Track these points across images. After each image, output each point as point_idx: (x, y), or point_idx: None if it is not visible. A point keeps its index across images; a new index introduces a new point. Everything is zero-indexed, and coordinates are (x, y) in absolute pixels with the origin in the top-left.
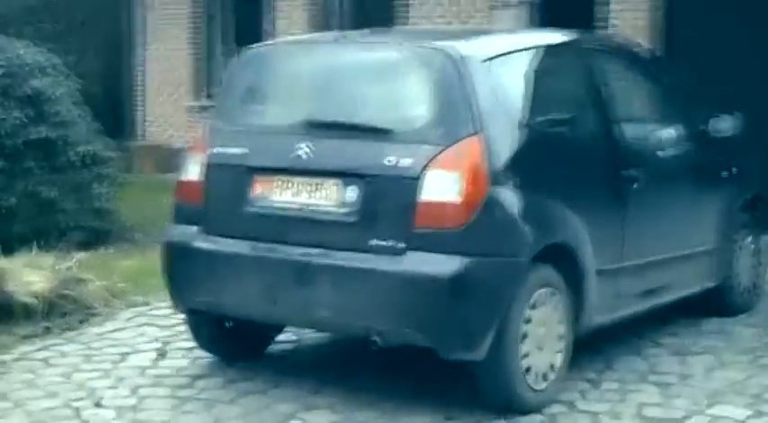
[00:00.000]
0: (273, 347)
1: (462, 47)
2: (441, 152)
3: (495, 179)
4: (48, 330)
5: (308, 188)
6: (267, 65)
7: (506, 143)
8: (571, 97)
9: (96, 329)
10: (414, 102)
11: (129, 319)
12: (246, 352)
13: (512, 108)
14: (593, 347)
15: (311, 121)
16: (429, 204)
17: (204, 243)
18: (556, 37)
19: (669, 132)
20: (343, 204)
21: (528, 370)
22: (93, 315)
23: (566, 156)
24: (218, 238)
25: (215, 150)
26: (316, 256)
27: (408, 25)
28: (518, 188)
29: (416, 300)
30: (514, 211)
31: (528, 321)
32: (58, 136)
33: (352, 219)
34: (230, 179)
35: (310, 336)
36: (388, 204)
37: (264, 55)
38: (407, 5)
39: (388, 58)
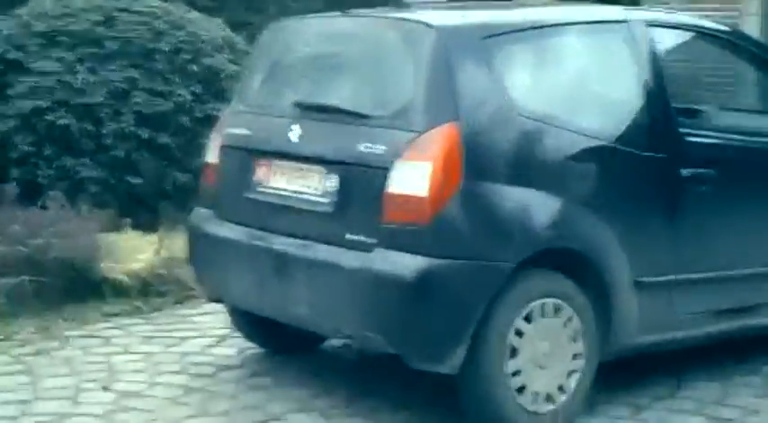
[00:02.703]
0: (333, 342)
1: (455, 22)
2: (413, 139)
3: (475, 172)
4: (138, 309)
5: (297, 175)
6: (277, 43)
7: (496, 133)
8: (601, 83)
9: (185, 311)
10: (396, 82)
11: None
12: (295, 345)
13: (512, 94)
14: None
15: (301, 103)
16: (396, 197)
17: (213, 227)
18: (588, 12)
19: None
20: (325, 193)
21: (522, 389)
22: (191, 297)
23: (588, 151)
24: (226, 223)
25: (228, 131)
26: (295, 247)
27: None
28: (505, 183)
29: (379, 302)
30: (495, 208)
31: (520, 334)
32: None
33: (330, 209)
34: (237, 162)
35: None
36: (362, 196)
37: (277, 32)
38: None
39: (376, 35)
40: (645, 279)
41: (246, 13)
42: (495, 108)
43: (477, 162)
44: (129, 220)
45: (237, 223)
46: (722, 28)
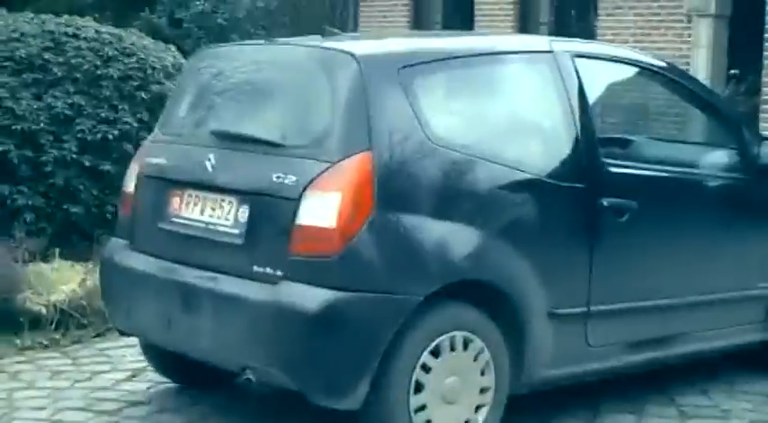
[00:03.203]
0: None
1: (374, 50)
2: (325, 170)
3: (387, 203)
4: (55, 342)
5: (211, 205)
6: (201, 70)
7: (411, 163)
8: (523, 114)
9: (104, 344)
10: (313, 111)
11: None
12: (209, 380)
13: (430, 124)
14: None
15: (218, 132)
16: (304, 228)
17: (125, 259)
18: (512, 43)
19: (695, 158)
20: (236, 224)
21: None
22: (112, 330)
23: (505, 182)
24: (139, 255)
25: (146, 160)
26: (202, 280)
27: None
28: (418, 215)
29: (281, 335)
30: (406, 240)
31: (427, 370)
32: None
33: (239, 241)
34: (153, 192)
35: None
36: (271, 227)
37: (202, 59)
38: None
39: (297, 63)
40: (560, 310)
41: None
42: (412, 138)
43: (389, 193)
44: (57, 250)
45: (151, 255)
46: (654, 61)
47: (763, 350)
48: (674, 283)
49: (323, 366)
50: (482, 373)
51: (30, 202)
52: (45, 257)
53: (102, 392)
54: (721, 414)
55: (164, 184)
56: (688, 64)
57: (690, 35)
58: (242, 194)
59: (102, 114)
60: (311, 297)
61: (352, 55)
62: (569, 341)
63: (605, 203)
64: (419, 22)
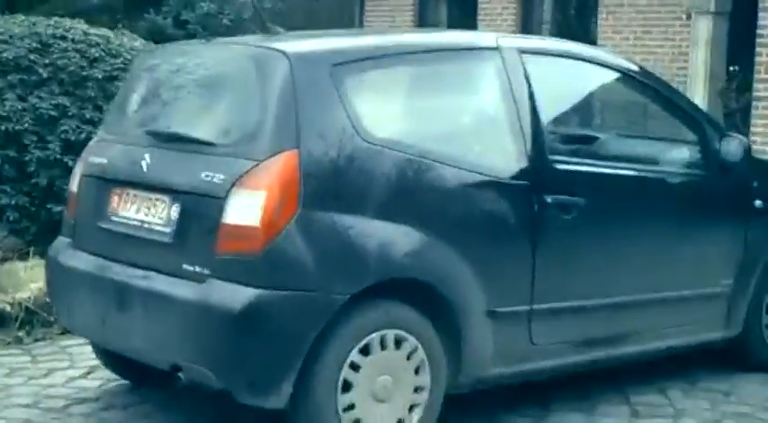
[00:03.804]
0: None
1: (306, 48)
2: (251, 168)
3: (313, 201)
4: (18, 339)
5: (146, 204)
6: (144, 70)
7: (341, 161)
8: (463, 110)
9: (68, 342)
10: (245, 110)
11: None
12: (158, 377)
13: (362, 122)
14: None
15: (153, 131)
16: (230, 227)
17: (67, 258)
18: (454, 39)
19: (651, 154)
20: (168, 223)
21: None
22: None
23: (441, 178)
24: (80, 254)
25: (90, 160)
26: (135, 278)
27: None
28: (347, 213)
29: (207, 334)
30: (333, 238)
31: (356, 368)
32: None
33: (170, 240)
34: (95, 191)
35: None
36: (199, 225)
37: (145, 59)
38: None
39: (232, 62)
40: (501, 309)
41: None
42: (342, 136)
43: (317, 191)
44: (32, 249)
45: (91, 253)
46: (608, 57)
47: (727, 347)
48: (624, 281)
49: (246, 365)
50: (416, 372)
51: (13, 202)
52: (22, 256)
53: (53, 389)
54: (675, 413)
55: (104, 183)
56: (687, 61)
57: (690, 32)
58: (174, 193)
59: (87, 115)
60: (235, 296)
61: (283, 53)
62: (512, 340)
63: (549, 200)
64: (424, 23)
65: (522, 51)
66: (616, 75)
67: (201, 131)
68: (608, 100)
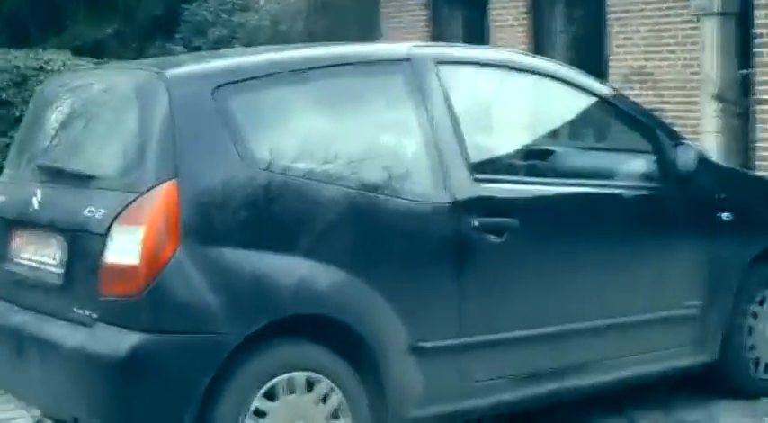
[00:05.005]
0: None
1: (185, 71)
2: (131, 202)
3: (197, 236)
4: None
5: (41, 244)
6: (41, 101)
7: (228, 191)
8: (369, 128)
9: None
10: (122, 139)
11: None
12: None
13: (252, 147)
14: None
15: (42, 166)
16: (111, 266)
17: None
18: (358, 52)
19: (597, 167)
20: (59, 264)
21: None
22: None
23: (346, 204)
24: None
25: None
26: (30, 324)
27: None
28: (238, 247)
29: (95, 384)
30: (216, 276)
31: (261, 414)
32: None
33: (60, 282)
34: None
35: None
36: (85, 265)
37: (43, 89)
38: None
39: (114, 88)
40: (426, 344)
41: None
42: (228, 164)
43: (200, 224)
44: None
45: None
46: (542, 63)
47: (705, 373)
48: (572, 308)
49: (136, 416)
50: (335, 416)
51: None
52: None
53: None
54: None
55: (6, 223)
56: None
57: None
58: (62, 232)
59: None
60: (117, 341)
61: (161, 77)
62: (443, 376)
63: (475, 223)
64: (439, 37)
65: (439, 61)
66: (551, 82)
67: (84, 164)
68: (544, 110)
